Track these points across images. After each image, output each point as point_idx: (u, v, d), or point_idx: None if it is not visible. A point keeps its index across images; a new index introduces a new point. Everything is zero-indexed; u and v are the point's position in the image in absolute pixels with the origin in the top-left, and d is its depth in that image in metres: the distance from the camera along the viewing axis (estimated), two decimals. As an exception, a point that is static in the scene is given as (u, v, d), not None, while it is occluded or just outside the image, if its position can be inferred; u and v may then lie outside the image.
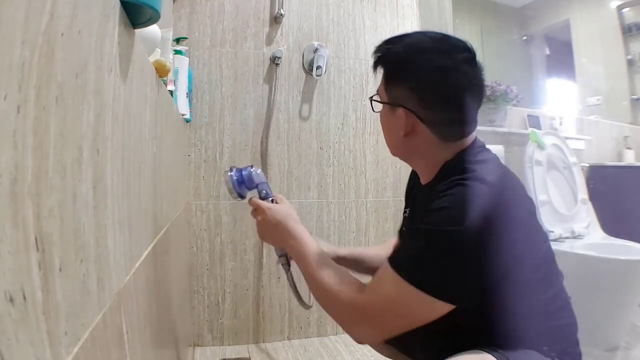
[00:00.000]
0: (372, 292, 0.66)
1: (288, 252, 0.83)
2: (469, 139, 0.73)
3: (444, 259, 0.60)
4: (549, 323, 0.70)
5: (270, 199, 0.89)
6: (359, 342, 0.72)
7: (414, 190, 0.87)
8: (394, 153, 0.79)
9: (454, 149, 0.71)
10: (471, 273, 0.60)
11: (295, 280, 0.95)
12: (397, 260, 0.64)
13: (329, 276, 0.72)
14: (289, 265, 0.93)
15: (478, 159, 0.69)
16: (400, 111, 0.71)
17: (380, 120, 0.78)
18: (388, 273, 0.63)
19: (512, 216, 0.63)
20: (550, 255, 0.73)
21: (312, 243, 0.77)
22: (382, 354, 0.97)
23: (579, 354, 0.73)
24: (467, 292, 0.61)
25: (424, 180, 0.78)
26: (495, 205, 0.61)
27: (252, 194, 0.91)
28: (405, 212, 0.91)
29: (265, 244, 1.59)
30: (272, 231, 0.82)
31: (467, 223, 0.58)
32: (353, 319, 0.69)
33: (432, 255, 0.61)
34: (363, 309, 0.67)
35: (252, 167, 0.92)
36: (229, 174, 0.89)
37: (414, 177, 0.89)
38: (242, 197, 0.91)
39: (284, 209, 0.83)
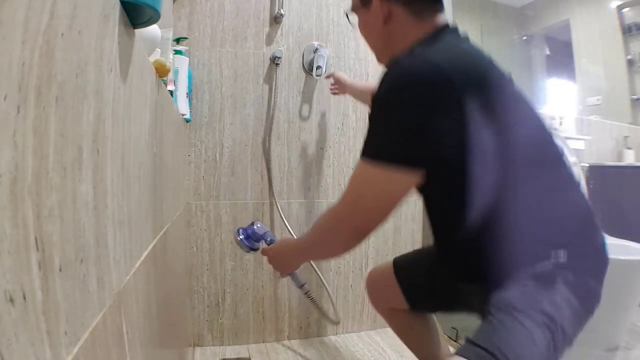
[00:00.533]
0: (343, 194, 0.73)
1: (299, 263, 1.01)
2: (440, 20, 0.77)
3: (383, 126, 0.67)
4: (545, 214, 0.69)
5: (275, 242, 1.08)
6: (358, 238, 0.74)
7: None
8: (380, 59, 0.86)
9: (426, 28, 0.75)
10: (409, 132, 0.63)
11: (318, 302, 1.15)
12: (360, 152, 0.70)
13: (310, 232, 0.82)
14: (307, 292, 1.14)
15: (436, 39, 0.72)
16: (374, 2, 0.77)
17: (361, 30, 0.85)
18: (355, 168, 0.71)
19: (445, 86, 0.62)
20: (539, 134, 0.73)
21: (293, 239, 0.95)
22: (395, 325, 1.09)
23: (597, 251, 0.70)
24: (411, 150, 0.64)
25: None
26: (426, 75, 0.63)
27: (262, 244, 1.11)
28: None
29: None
30: (280, 263, 0.99)
31: (398, 87, 0.64)
32: (340, 225, 0.74)
33: (375, 128, 0.68)
34: (342, 209, 0.73)
35: (253, 223, 1.11)
36: (238, 237, 1.10)
37: None
38: (254, 249, 1.11)
39: (277, 243, 1.01)
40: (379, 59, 0.87)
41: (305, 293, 1.13)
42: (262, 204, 1.58)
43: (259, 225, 1.11)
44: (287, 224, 1.59)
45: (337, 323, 1.19)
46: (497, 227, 0.66)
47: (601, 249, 0.72)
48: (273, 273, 1.03)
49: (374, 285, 1.10)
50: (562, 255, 0.67)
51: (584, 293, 0.68)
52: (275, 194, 1.58)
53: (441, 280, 0.92)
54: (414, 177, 0.66)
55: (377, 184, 0.67)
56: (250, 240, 1.10)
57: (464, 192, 0.66)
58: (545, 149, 0.73)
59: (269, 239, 1.10)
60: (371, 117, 0.70)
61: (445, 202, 0.74)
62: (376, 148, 0.67)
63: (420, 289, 1.00)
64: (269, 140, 1.58)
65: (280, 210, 1.58)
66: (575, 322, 0.67)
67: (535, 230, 0.68)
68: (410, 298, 1.01)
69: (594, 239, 0.72)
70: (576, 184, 0.74)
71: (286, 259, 0.97)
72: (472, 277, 0.76)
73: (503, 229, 0.66)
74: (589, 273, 0.70)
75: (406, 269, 1.03)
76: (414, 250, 1.11)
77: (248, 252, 1.11)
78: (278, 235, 1.60)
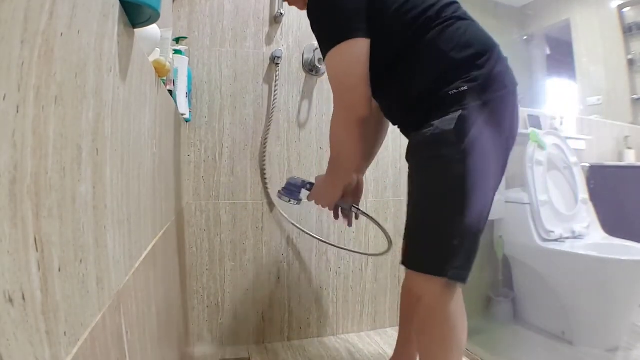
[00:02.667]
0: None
1: (337, 185, 1.07)
2: None
3: (329, 18, 0.87)
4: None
5: (309, 184, 1.19)
6: (358, 117, 0.90)
7: None
8: (299, 7, 1.10)
9: None
10: (352, 10, 0.85)
11: (376, 219, 1.26)
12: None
13: (330, 150, 1.00)
14: (359, 210, 1.20)
15: None
16: None
17: None
18: (327, 69, 0.90)
19: None
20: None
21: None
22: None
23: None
24: (361, 21, 0.85)
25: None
26: None
27: (304, 193, 1.21)
28: None
29: (265, 244, 1.59)
30: (323, 196, 1.11)
31: None
32: (339, 116, 0.92)
33: (324, 23, 0.89)
34: (335, 104, 0.92)
35: (288, 179, 1.23)
36: (282, 196, 1.22)
37: None
38: (299, 200, 1.22)
39: (317, 181, 1.14)
40: (300, 5, 1.09)
41: (363, 213, 1.21)
42: (262, 204, 1.58)
43: (293, 178, 1.23)
44: (286, 217, 1.59)
45: (390, 244, 1.27)
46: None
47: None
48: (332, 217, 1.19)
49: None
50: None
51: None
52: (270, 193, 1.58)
53: None
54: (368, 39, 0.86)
55: (347, 58, 0.85)
56: (293, 193, 1.21)
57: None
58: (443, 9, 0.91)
59: (307, 185, 1.19)
60: (316, 19, 0.91)
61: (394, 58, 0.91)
62: (337, 33, 0.85)
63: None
64: (266, 141, 1.58)
65: (280, 209, 1.58)
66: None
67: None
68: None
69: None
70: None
71: (324, 189, 1.08)
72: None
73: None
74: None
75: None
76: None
77: (297, 203, 1.23)
78: (277, 237, 1.60)
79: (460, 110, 0.82)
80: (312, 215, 1.64)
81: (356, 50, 0.85)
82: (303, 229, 1.60)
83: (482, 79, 0.84)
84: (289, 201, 1.21)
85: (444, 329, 0.88)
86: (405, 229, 0.96)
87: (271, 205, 1.59)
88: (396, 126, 1.06)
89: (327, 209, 1.16)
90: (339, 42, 0.84)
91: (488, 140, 0.84)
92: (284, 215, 1.59)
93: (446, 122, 0.82)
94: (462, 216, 0.83)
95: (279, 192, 1.23)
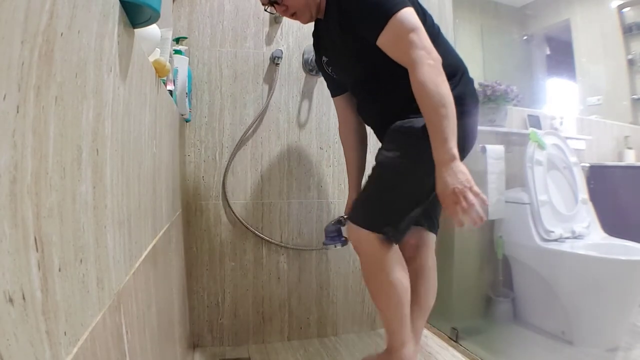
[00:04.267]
0: (405, 59, 0.96)
1: (454, 142, 0.94)
2: None
3: None
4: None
5: (343, 218, 1.30)
6: (439, 64, 0.94)
7: (317, 39, 1.23)
8: (306, 18, 1.11)
9: None
10: None
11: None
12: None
13: (428, 113, 0.94)
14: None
15: None
16: None
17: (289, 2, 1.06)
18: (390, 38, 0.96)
19: None
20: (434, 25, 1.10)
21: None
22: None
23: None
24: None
25: (320, 15, 1.12)
26: None
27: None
28: (323, 60, 1.23)
29: (265, 244, 1.59)
30: (457, 170, 0.92)
31: None
32: (425, 56, 0.93)
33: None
34: (418, 61, 0.92)
35: (325, 228, 1.32)
36: (328, 246, 1.30)
37: (315, 34, 1.23)
38: (344, 240, 1.29)
39: (437, 172, 1.00)
40: (306, 19, 1.12)
41: None
42: (262, 204, 1.58)
43: (327, 226, 1.31)
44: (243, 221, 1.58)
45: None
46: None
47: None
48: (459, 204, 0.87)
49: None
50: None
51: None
52: (271, 194, 1.58)
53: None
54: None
55: (412, 20, 0.93)
56: (334, 238, 1.28)
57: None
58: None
59: (342, 220, 1.27)
60: (363, 5, 0.97)
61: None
62: (393, 5, 0.93)
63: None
64: (254, 135, 1.58)
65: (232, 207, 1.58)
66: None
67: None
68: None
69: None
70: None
71: (449, 163, 0.89)
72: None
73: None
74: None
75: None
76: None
77: (343, 244, 1.28)
78: (277, 235, 1.60)
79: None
80: (312, 216, 1.64)
81: (414, 15, 0.94)
82: (263, 235, 1.60)
83: (460, 97, 0.98)
84: (335, 247, 1.28)
85: (381, 277, 1.05)
86: (361, 191, 1.13)
87: (270, 205, 1.59)
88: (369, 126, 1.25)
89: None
90: (398, 11, 0.92)
91: None
92: (246, 224, 1.58)
93: (420, 121, 0.97)
94: (410, 191, 1.03)
95: (324, 243, 1.31)
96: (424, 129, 0.94)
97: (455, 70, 1.05)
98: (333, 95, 1.33)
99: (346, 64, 1.15)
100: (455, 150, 0.89)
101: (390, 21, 0.92)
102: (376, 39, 0.96)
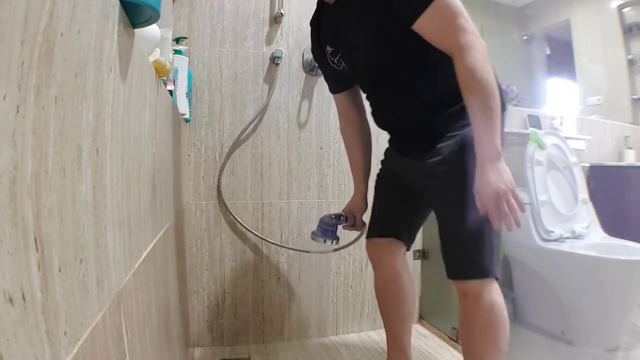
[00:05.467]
0: (451, 43, 0.86)
1: (498, 136, 0.86)
2: None
3: None
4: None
5: (343, 216, 1.17)
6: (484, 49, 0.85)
7: (320, 28, 1.10)
8: None
9: None
10: None
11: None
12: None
13: (472, 101, 0.84)
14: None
15: None
16: None
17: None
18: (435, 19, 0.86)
19: None
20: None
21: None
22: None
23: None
24: None
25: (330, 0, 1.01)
26: None
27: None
28: (327, 51, 1.10)
29: (265, 244, 1.59)
30: (499, 169, 0.84)
31: None
32: (472, 40, 0.85)
33: None
34: (459, 31, 0.85)
35: (320, 218, 1.17)
36: (316, 237, 1.15)
37: (315, 23, 1.12)
38: (337, 238, 1.16)
39: (478, 172, 0.88)
40: None
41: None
42: (262, 204, 1.58)
43: (324, 216, 1.16)
44: (241, 222, 1.58)
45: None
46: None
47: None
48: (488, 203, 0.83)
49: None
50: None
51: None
52: (269, 194, 1.58)
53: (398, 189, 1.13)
54: None
55: (454, 3, 0.84)
56: (327, 232, 1.13)
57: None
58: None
59: (343, 218, 1.15)
60: None
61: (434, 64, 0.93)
62: None
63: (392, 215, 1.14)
64: (253, 135, 1.58)
65: (228, 206, 1.58)
66: None
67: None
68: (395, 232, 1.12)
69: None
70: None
71: (493, 163, 0.82)
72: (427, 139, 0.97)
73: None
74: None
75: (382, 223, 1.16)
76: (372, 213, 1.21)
77: (335, 242, 1.15)
78: (277, 235, 1.60)
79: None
80: (312, 216, 1.64)
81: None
82: (264, 237, 1.60)
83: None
84: (325, 242, 1.14)
85: (504, 325, 0.91)
86: (447, 240, 0.96)
87: (270, 205, 1.59)
88: (385, 130, 1.12)
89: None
90: None
91: None
92: (242, 223, 1.59)
93: (466, 137, 0.89)
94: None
95: (313, 233, 1.16)
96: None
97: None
98: (335, 92, 1.22)
99: (366, 53, 1.00)
100: (500, 147, 0.82)
101: (434, 3, 0.82)
102: (414, 22, 0.85)
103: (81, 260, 0.32)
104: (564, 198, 1.92)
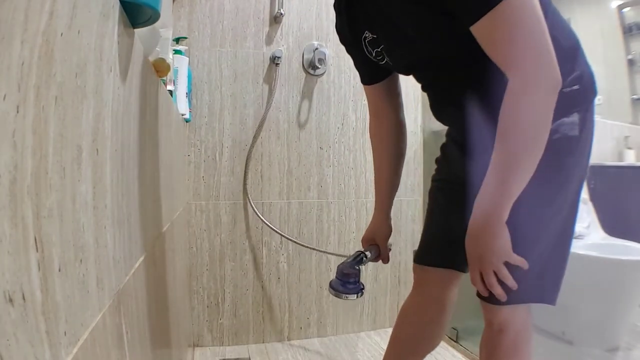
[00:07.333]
0: (506, 62, 0.62)
1: (505, 208, 0.66)
2: None
3: None
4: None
5: (364, 256, 0.94)
6: (555, 85, 0.61)
7: (350, 10, 0.86)
8: None
9: None
10: None
11: None
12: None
13: (500, 149, 0.63)
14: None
15: None
16: None
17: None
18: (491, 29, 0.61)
19: None
20: None
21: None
22: None
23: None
24: None
25: None
26: None
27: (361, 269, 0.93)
28: (365, 38, 0.84)
29: (265, 244, 1.59)
30: (498, 233, 0.69)
31: None
32: (533, 83, 0.61)
33: None
34: (522, 52, 0.61)
35: (338, 267, 0.92)
36: (338, 294, 0.89)
37: (346, 6, 0.86)
38: (362, 289, 0.90)
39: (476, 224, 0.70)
40: None
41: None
42: (262, 204, 1.58)
43: (342, 265, 0.92)
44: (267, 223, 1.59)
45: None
46: None
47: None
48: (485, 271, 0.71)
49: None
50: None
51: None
52: (269, 193, 1.58)
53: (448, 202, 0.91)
54: None
55: (529, 11, 0.59)
56: (347, 284, 0.90)
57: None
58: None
59: (363, 258, 0.93)
60: None
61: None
62: None
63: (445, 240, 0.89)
64: (254, 140, 1.58)
65: (255, 207, 1.58)
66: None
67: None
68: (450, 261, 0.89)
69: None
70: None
71: (493, 226, 0.65)
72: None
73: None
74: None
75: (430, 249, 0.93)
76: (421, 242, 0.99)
77: (360, 295, 0.91)
78: (277, 237, 1.60)
79: (577, 114, 0.70)
80: (312, 216, 1.64)
81: (534, 3, 0.60)
82: (290, 237, 1.60)
83: (588, 79, 0.73)
84: (347, 298, 0.90)
85: (529, 349, 0.84)
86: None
87: (266, 205, 1.59)
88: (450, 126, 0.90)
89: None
90: None
91: (586, 156, 0.76)
92: (268, 224, 1.58)
93: (568, 127, 0.69)
94: (566, 239, 0.75)
95: (332, 287, 0.91)
96: (582, 136, 0.71)
97: (575, 45, 0.76)
98: (368, 83, 0.96)
99: (419, 46, 0.76)
100: (507, 214, 0.65)
101: (496, 9, 0.58)
102: (472, 24, 0.62)
103: (81, 260, 0.32)
104: (564, 198, 1.92)
